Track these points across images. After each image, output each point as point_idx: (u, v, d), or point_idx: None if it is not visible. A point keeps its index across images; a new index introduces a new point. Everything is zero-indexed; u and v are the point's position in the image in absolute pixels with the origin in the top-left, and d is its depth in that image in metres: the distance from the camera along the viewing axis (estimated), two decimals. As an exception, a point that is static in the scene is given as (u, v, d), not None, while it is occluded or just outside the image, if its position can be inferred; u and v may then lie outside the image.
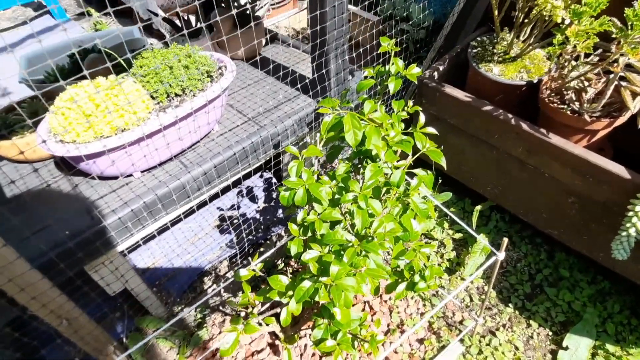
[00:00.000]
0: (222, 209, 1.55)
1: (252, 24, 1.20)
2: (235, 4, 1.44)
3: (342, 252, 0.73)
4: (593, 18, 0.82)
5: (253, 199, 1.58)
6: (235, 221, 1.48)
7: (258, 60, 1.42)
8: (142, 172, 1.03)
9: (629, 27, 0.77)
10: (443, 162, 0.83)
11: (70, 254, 0.86)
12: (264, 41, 1.54)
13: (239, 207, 1.56)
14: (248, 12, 1.42)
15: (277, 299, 0.80)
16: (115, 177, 1.02)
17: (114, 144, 0.88)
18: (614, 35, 0.78)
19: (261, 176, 1.61)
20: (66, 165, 1.04)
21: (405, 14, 1.91)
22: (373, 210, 0.76)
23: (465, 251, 1.37)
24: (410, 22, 1.86)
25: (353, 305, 1.21)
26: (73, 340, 0.85)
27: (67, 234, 0.88)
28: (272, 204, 1.57)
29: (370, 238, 0.76)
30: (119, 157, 0.93)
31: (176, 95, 1.02)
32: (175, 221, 1.39)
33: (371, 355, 1.11)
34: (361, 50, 1.32)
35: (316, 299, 0.73)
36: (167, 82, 0.99)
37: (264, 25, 1.60)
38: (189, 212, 1.30)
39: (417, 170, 0.85)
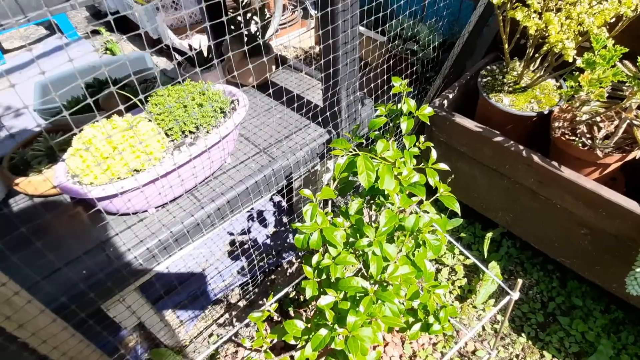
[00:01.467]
0: (232, 234, 1.57)
1: (264, 54, 1.22)
2: (245, 31, 1.45)
3: (357, 298, 0.73)
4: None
5: (263, 223, 1.59)
6: (245, 246, 1.49)
7: (269, 85, 1.43)
8: (156, 208, 1.05)
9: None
10: (457, 208, 0.83)
11: (86, 295, 0.88)
12: (274, 67, 1.55)
13: (249, 232, 1.57)
14: (258, 39, 1.43)
15: (292, 342, 0.81)
16: (132, 214, 1.03)
17: (130, 186, 0.90)
18: (627, 84, 0.78)
19: (271, 199, 1.62)
20: (82, 202, 1.05)
21: (412, 34, 1.92)
22: (387, 256, 0.76)
23: (476, 278, 1.37)
24: (419, 42, 1.87)
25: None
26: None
27: (84, 274, 0.89)
28: (282, 228, 1.58)
29: (385, 284, 0.76)
30: (134, 196, 0.95)
31: (190, 132, 1.03)
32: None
33: (384, 387, 1.12)
34: (367, 70, 1.33)
35: (332, 345, 0.73)
36: (182, 120, 1.01)
37: (273, 47, 1.62)
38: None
39: (432, 215, 0.85)
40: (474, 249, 1.46)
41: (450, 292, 1.36)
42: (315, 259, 0.84)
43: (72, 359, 0.76)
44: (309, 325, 0.82)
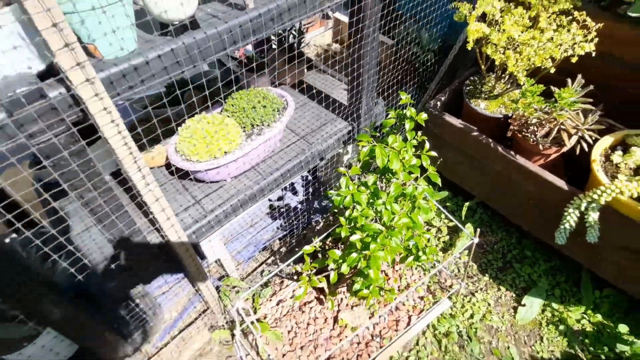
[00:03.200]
0: (271, 200, 2.02)
1: (299, 60, 1.64)
2: (286, 44, 1.87)
3: (374, 236, 1.19)
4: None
5: (294, 192, 2.05)
6: (282, 210, 1.95)
7: (304, 86, 1.86)
8: (232, 177, 1.49)
9: (559, 99, 1.21)
10: (439, 182, 1.28)
11: (193, 229, 1.34)
12: (305, 70, 1.97)
13: (283, 199, 2.03)
14: (294, 49, 1.85)
15: (331, 265, 1.28)
16: (215, 182, 1.48)
17: (222, 163, 1.34)
18: (547, 108, 1.22)
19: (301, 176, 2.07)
20: (178, 171, 1.49)
21: (415, 39, 2.31)
22: (394, 211, 1.22)
23: (456, 235, 1.83)
24: (421, 47, 2.27)
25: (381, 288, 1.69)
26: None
27: (191, 218, 1.34)
28: (310, 197, 2.04)
29: (392, 228, 1.22)
30: (222, 170, 1.39)
31: (256, 125, 1.46)
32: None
33: (387, 305, 1.60)
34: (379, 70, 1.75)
35: (358, 265, 1.20)
36: (251, 117, 1.44)
37: (304, 53, 2.03)
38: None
39: (422, 184, 1.30)
40: (456, 215, 1.92)
41: (436, 246, 1.83)
42: (347, 213, 1.30)
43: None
44: (344, 254, 1.28)
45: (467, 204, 1.86)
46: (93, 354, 1.29)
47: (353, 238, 1.20)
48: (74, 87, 0.68)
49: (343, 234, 1.27)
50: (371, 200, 1.28)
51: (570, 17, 1.25)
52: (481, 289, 1.68)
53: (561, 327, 1.56)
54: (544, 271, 1.70)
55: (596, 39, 1.21)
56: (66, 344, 1.31)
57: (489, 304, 1.64)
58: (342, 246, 1.31)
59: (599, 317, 1.55)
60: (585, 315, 1.57)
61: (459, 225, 1.52)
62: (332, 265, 1.32)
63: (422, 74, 2.19)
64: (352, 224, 1.27)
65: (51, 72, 0.84)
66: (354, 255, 1.19)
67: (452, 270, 1.75)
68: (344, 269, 1.22)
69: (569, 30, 1.24)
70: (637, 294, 1.45)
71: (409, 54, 2.26)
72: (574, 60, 1.22)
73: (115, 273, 1.21)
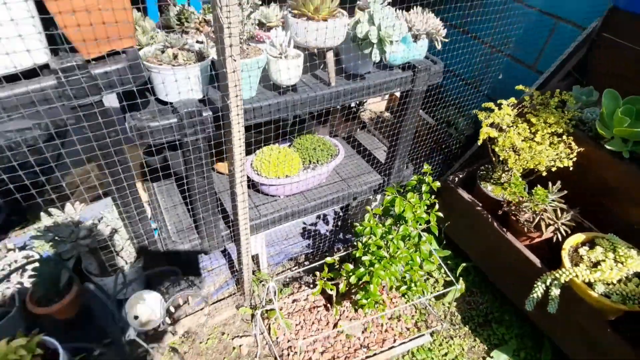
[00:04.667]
0: (305, 223, 2.48)
1: (355, 120, 2.14)
2: (347, 106, 2.39)
3: (380, 259, 1.60)
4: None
5: (326, 221, 2.50)
6: (312, 233, 2.40)
7: (354, 141, 2.35)
8: (285, 196, 1.97)
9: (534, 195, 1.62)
10: (436, 231, 1.69)
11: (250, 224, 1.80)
12: (358, 129, 2.48)
13: (316, 225, 2.48)
14: (353, 111, 2.37)
15: (345, 276, 1.69)
16: (273, 196, 1.96)
17: (282, 183, 1.82)
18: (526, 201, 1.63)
19: (333, 209, 2.53)
20: (252, 184, 1.98)
21: (452, 121, 2.79)
22: (399, 246, 1.63)
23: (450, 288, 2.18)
24: (456, 128, 2.74)
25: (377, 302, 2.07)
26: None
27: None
28: (337, 228, 2.48)
29: (394, 257, 1.63)
30: (281, 188, 1.87)
31: (313, 162, 1.95)
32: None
33: (380, 324, 1.96)
34: (416, 139, 2.22)
35: (364, 279, 1.60)
36: (311, 155, 1.93)
37: (360, 117, 2.55)
38: (293, 221, 2.22)
39: (425, 233, 1.72)
40: (454, 272, 2.27)
41: (431, 292, 2.19)
42: (364, 239, 1.72)
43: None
44: (354, 269, 1.70)
45: (463, 264, 2.22)
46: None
47: (364, 258, 1.62)
48: (232, 116, 1.19)
49: (358, 255, 1.69)
50: (384, 235, 1.70)
51: (561, 139, 1.69)
52: (459, 336, 2.01)
53: (519, 384, 1.85)
54: (515, 334, 2.01)
55: (575, 159, 1.63)
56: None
57: (463, 349, 1.96)
58: (354, 264, 1.73)
59: (553, 384, 1.84)
60: (542, 380, 1.86)
61: (452, 278, 1.90)
62: (343, 277, 1.73)
63: (450, 153, 2.64)
64: (366, 249, 1.69)
65: (204, 99, 1.38)
66: (362, 270, 1.60)
67: (440, 315, 2.10)
68: (353, 279, 1.64)
69: (557, 148, 1.66)
70: (585, 368, 1.74)
71: (445, 133, 2.74)
72: (554, 169, 1.64)
73: (191, 236, 1.69)
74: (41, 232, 1.44)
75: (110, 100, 1.31)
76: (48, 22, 1.01)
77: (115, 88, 1.11)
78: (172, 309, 1.88)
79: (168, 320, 1.76)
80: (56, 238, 1.46)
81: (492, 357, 1.92)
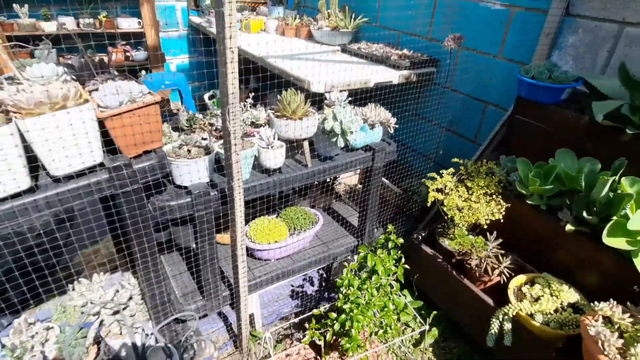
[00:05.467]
0: (293, 286, 2.76)
1: (331, 193, 2.55)
2: (324, 185, 2.84)
3: (358, 306, 1.91)
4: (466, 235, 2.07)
5: (312, 283, 2.79)
6: (300, 294, 2.68)
7: (330, 209, 2.75)
8: (275, 259, 2.29)
9: (476, 243, 2.02)
10: (402, 278, 2.03)
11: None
12: (334, 200, 2.90)
13: (302, 287, 2.77)
14: (329, 185, 2.80)
15: (330, 324, 1.97)
16: (265, 260, 2.28)
17: (272, 247, 2.17)
18: (471, 250, 2.03)
19: (318, 271, 2.84)
20: (247, 250, 2.31)
21: (414, 191, 3.25)
22: (373, 294, 1.95)
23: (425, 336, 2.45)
24: (419, 195, 3.18)
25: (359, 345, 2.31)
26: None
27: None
28: (322, 288, 2.76)
29: (370, 303, 1.94)
30: (271, 252, 2.21)
31: (297, 229, 2.32)
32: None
33: (363, 376, 2.18)
34: (384, 204, 2.62)
35: (346, 326, 1.89)
36: (295, 223, 2.31)
37: (335, 188, 2.98)
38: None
39: (395, 282, 2.05)
40: (427, 320, 2.55)
41: (409, 341, 2.45)
42: (344, 291, 2.03)
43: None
44: (337, 317, 1.98)
45: (434, 312, 2.52)
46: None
47: (345, 306, 1.93)
48: (235, 193, 1.58)
49: (339, 304, 2.00)
50: (360, 286, 2.02)
51: (492, 198, 2.13)
52: (436, 378, 2.25)
53: (492, 417, 2.06)
54: (485, 374, 2.26)
55: (504, 212, 2.06)
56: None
57: (441, 390, 2.18)
58: (337, 313, 2.02)
59: (522, 415, 2.06)
60: (512, 412, 2.08)
61: (425, 326, 2.19)
62: (329, 326, 2.01)
63: (415, 216, 3.06)
64: (346, 299, 2.00)
65: (211, 182, 1.77)
66: (344, 316, 1.90)
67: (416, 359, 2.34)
68: (336, 326, 1.92)
69: (489, 204, 2.10)
70: (544, 395, 1.99)
71: (410, 200, 3.18)
72: (488, 222, 2.06)
73: (196, 298, 1.97)
74: (75, 297, 1.71)
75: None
76: (102, 134, 1.43)
77: (148, 178, 1.50)
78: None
79: None
80: (89, 303, 1.73)
81: (466, 395, 2.15)
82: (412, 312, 2.23)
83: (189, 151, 1.72)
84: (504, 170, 2.33)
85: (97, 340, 1.96)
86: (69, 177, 1.36)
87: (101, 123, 1.41)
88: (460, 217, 2.14)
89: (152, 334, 1.90)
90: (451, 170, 2.27)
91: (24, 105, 1.25)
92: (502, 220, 2.10)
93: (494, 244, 2.11)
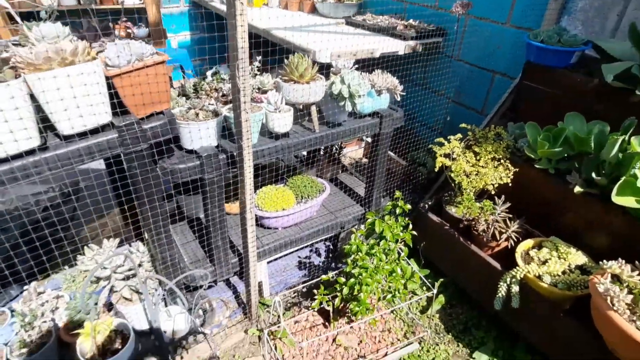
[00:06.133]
0: (300, 257, 2.78)
1: (337, 163, 2.55)
2: (329, 151, 2.83)
3: (367, 270, 1.93)
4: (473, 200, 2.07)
5: (318, 254, 2.81)
6: (307, 264, 2.70)
7: (338, 181, 2.75)
8: (283, 228, 2.30)
9: (485, 209, 2.02)
10: (410, 243, 2.04)
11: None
12: (340, 171, 2.89)
13: (310, 257, 2.79)
14: (335, 155, 2.80)
15: (338, 289, 1.99)
16: (272, 228, 2.29)
17: (280, 215, 2.17)
18: (479, 215, 2.03)
19: (324, 242, 2.85)
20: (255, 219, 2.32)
21: (422, 162, 3.24)
22: (382, 259, 1.97)
23: (432, 303, 2.48)
24: (426, 167, 3.18)
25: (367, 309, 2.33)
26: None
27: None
28: (329, 259, 2.78)
29: (379, 267, 1.95)
30: (279, 220, 2.22)
31: (304, 198, 2.32)
32: (274, 260, 2.62)
33: (373, 331, 2.21)
34: (391, 176, 2.62)
35: (355, 290, 1.91)
36: (302, 192, 2.31)
37: (341, 160, 2.98)
38: (283, 255, 2.53)
39: (402, 247, 2.06)
40: (434, 287, 2.58)
41: (416, 308, 2.47)
42: (352, 257, 2.05)
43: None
44: (346, 281, 2.00)
45: (441, 279, 2.54)
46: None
47: (353, 271, 1.95)
48: (244, 154, 1.57)
49: (348, 269, 2.01)
50: (368, 251, 2.04)
51: (500, 163, 2.12)
52: (444, 343, 2.28)
53: (499, 379, 2.10)
54: (493, 337, 2.28)
55: (512, 176, 2.06)
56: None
57: (448, 353, 2.22)
58: (345, 279, 2.04)
59: (528, 376, 2.10)
60: (519, 374, 2.12)
61: (434, 291, 2.21)
62: (337, 291, 2.03)
63: (422, 186, 3.06)
64: (354, 264, 2.02)
65: (219, 147, 1.77)
66: (352, 280, 1.92)
67: (425, 326, 2.37)
68: (345, 290, 1.94)
69: (497, 169, 2.09)
70: (552, 356, 2.02)
71: (416, 172, 3.17)
72: (496, 186, 2.06)
73: (205, 265, 1.99)
74: (86, 262, 1.72)
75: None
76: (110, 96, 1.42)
77: (159, 137, 1.50)
78: (197, 322, 2.11)
79: (201, 329, 1.98)
80: (102, 268, 1.75)
81: (474, 358, 2.18)
82: (419, 279, 2.25)
83: (197, 114, 1.71)
84: (512, 136, 2.31)
85: (109, 307, 1.99)
86: (81, 135, 1.36)
87: (109, 85, 1.39)
88: (468, 182, 2.14)
89: (168, 288, 1.92)
90: (459, 135, 2.26)
91: (32, 61, 1.24)
92: (510, 185, 2.09)
93: (503, 207, 2.11)
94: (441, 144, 2.22)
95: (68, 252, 1.76)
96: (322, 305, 2.09)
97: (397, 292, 2.01)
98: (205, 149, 1.69)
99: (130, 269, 1.85)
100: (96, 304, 1.90)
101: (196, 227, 2.23)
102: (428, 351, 2.22)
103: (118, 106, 1.44)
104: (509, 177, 2.07)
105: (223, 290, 2.44)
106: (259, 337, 2.21)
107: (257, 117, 1.77)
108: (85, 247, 1.81)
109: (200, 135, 1.68)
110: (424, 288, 2.59)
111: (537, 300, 1.95)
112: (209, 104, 1.91)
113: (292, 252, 2.60)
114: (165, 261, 1.79)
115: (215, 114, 1.78)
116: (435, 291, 2.22)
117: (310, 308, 2.37)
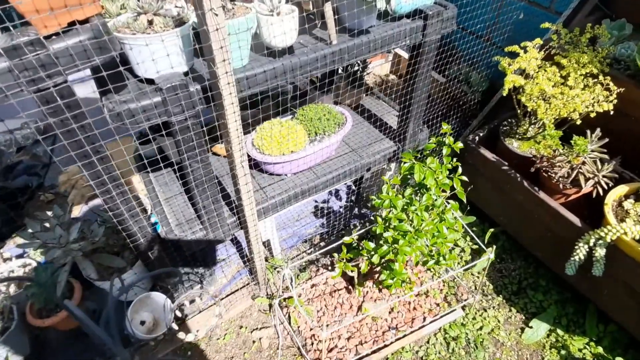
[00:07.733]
0: (316, 201, 2.32)
1: (360, 86, 1.94)
2: (351, 70, 2.19)
3: (404, 235, 1.45)
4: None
5: (339, 197, 2.34)
6: (325, 211, 2.24)
7: (361, 108, 2.17)
8: (292, 174, 1.80)
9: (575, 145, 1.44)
10: (464, 199, 1.52)
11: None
12: (364, 95, 2.28)
13: (328, 202, 2.32)
14: (357, 76, 2.16)
15: (366, 256, 1.54)
16: (278, 175, 1.79)
17: (287, 159, 1.66)
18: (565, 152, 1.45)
19: (346, 183, 2.36)
20: (255, 164, 1.82)
21: (465, 78, 2.57)
22: (423, 217, 1.47)
23: (478, 257, 2.03)
24: (470, 85, 2.52)
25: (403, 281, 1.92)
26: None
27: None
28: (352, 204, 2.32)
29: (420, 231, 1.47)
30: (286, 165, 1.71)
31: (319, 134, 1.78)
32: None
33: (408, 304, 1.82)
34: (429, 101, 2.02)
35: (387, 257, 1.45)
36: (317, 126, 1.76)
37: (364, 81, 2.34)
38: (304, 201, 2.06)
39: (450, 201, 1.55)
40: (480, 239, 2.12)
41: (459, 264, 2.04)
42: (384, 213, 1.56)
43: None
44: (376, 247, 1.54)
45: (491, 230, 2.06)
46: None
47: (386, 234, 1.47)
48: (221, 86, 1.01)
49: (378, 231, 1.53)
50: (405, 207, 1.54)
51: (596, 80, 1.48)
52: (493, 307, 1.87)
53: (563, 352, 1.71)
54: (554, 300, 1.86)
55: (615, 101, 1.43)
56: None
57: (499, 321, 1.82)
58: (374, 241, 1.57)
59: (600, 350, 1.70)
60: (587, 346, 1.72)
61: (481, 245, 1.74)
62: (364, 257, 1.58)
63: (467, 111, 2.44)
64: (387, 224, 1.54)
65: (189, 72, 1.20)
66: (385, 248, 1.45)
67: (470, 286, 1.95)
68: (375, 259, 1.49)
69: (593, 91, 1.46)
70: (634, 331, 1.59)
71: (458, 91, 2.52)
72: (592, 115, 1.45)
73: (194, 228, 1.55)
74: (27, 238, 1.30)
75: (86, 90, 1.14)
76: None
77: (81, 67, 0.94)
78: (186, 303, 1.76)
79: (175, 327, 1.63)
80: (46, 244, 1.32)
81: (531, 327, 1.78)
82: (461, 228, 1.76)
83: (149, 22, 1.12)
84: (611, 40, 1.63)
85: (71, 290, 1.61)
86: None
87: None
88: (547, 109, 1.53)
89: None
90: (538, 41, 1.59)
91: None
92: (602, 112, 1.48)
93: (597, 145, 1.52)
94: (514, 55, 1.57)
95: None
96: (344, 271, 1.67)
97: (442, 259, 1.55)
98: (168, 77, 1.13)
99: (92, 242, 1.43)
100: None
101: (183, 177, 1.74)
102: (474, 318, 1.83)
103: (7, 19, 0.87)
104: (610, 101, 1.45)
105: (225, 247, 2.04)
106: (270, 305, 1.84)
107: (242, 23, 1.16)
108: (30, 215, 1.37)
109: (157, 55, 1.10)
110: (468, 239, 2.13)
111: (631, 271, 1.47)
112: (174, 6, 1.29)
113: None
114: (131, 234, 1.34)
115: (181, 21, 1.18)
116: (485, 247, 1.74)
117: (329, 268, 1.97)
